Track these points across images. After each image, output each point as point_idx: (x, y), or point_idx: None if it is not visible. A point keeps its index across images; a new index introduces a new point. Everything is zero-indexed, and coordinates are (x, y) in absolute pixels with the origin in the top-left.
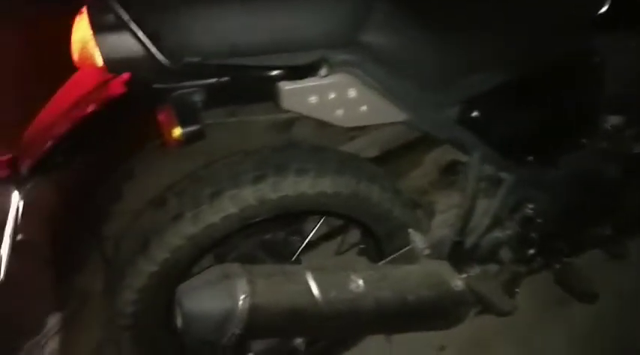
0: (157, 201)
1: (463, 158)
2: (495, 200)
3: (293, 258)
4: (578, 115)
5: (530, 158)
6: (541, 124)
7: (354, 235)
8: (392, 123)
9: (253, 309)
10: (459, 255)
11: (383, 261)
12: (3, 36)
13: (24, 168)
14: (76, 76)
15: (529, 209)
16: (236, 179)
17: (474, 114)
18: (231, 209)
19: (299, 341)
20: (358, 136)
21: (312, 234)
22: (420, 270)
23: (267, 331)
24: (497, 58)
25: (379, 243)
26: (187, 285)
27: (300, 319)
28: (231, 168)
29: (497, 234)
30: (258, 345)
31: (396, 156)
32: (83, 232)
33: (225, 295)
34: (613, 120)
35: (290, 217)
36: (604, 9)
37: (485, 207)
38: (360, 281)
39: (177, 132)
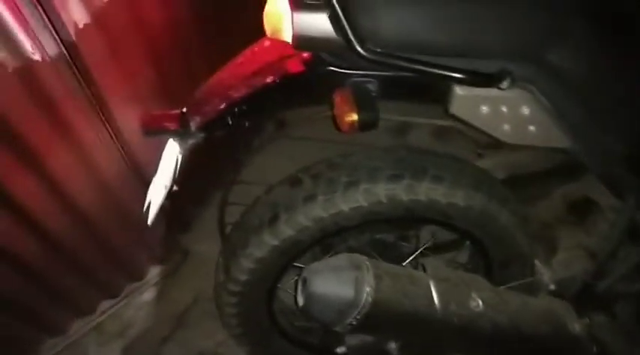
0: (292, 179)
1: (597, 197)
2: (637, 250)
3: (404, 264)
4: None
5: None
6: None
7: (463, 255)
8: (528, 147)
9: (375, 304)
10: (584, 298)
11: (504, 286)
12: None
13: (193, 124)
14: (258, 44)
15: None
16: (373, 173)
17: None
18: (362, 201)
19: (393, 345)
20: (486, 155)
21: (427, 243)
22: (540, 304)
23: (381, 328)
24: None
25: (490, 266)
26: (316, 267)
27: (415, 324)
28: (370, 162)
29: (621, 285)
30: (352, 339)
31: (524, 183)
32: (202, 193)
33: (352, 284)
34: None
35: (407, 221)
36: None
37: (623, 256)
38: (480, 301)
39: (354, 117)
